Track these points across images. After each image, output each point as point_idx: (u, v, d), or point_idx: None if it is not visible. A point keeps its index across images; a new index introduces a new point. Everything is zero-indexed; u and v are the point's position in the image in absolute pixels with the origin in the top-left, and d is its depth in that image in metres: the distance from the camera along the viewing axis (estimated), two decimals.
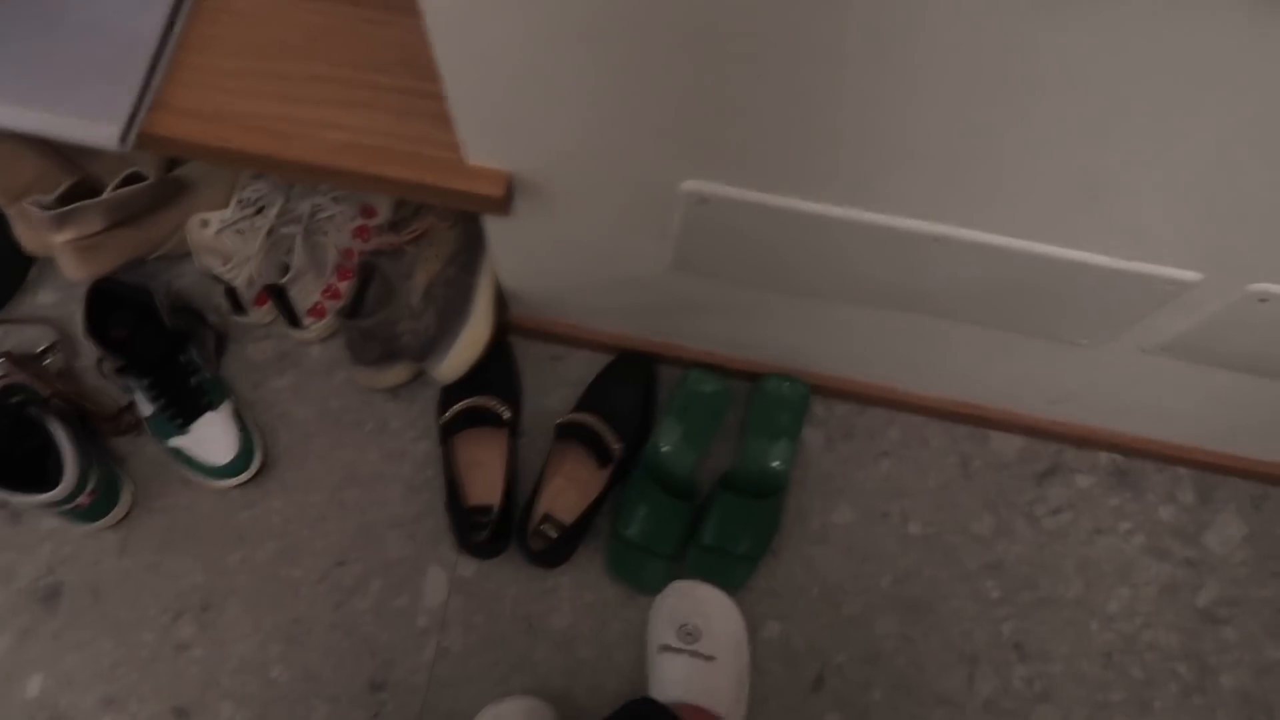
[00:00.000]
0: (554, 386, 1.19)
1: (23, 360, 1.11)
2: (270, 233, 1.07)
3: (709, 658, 1.01)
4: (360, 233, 1.15)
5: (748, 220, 0.77)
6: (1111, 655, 1.13)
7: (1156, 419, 1.10)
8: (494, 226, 0.90)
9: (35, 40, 0.78)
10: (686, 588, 1.06)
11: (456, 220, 1.03)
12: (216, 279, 1.08)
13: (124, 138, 0.75)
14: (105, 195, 0.99)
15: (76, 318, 1.17)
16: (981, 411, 1.16)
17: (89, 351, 1.13)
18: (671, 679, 1.00)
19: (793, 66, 0.58)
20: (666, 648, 1.02)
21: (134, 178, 1.02)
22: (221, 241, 1.07)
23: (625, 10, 0.57)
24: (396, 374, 1.11)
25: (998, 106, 0.58)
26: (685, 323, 1.07)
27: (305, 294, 1.11)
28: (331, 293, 1.14)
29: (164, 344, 1.07)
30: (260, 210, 1.09)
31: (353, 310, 1.05)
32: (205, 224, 1.06)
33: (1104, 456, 1.20)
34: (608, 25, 0.58)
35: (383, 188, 0.78)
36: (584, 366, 1.20)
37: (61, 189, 0.97)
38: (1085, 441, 1.18)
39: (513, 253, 0.96)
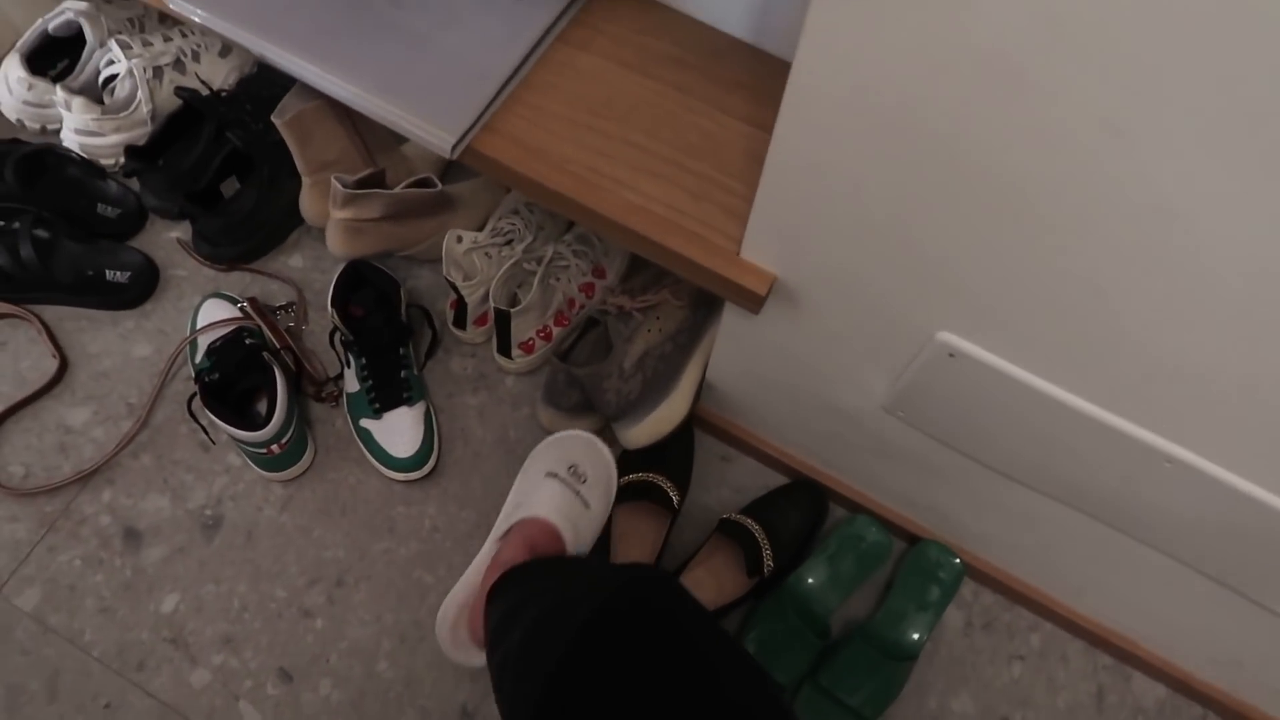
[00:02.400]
0: (715, 485, 1.21)
1: (263, 309, 1.21)
2: (515, 264, 1.14)
3: (586, 504, 0.99)
4: (586, 288, 1.22)
5: (988, 387, 0.79)
6: None
7: None
8: (732, 319, 0.95)
9: (405, 52, 0.88)
10: (584, 440, 1.04)
11: (689, 302, 1.08)
12: (453, 289, 1.16)
13: (455, 147, 0.84)
14: (397, 190, 1.09)
15: (317, 286, 1.28)
16: (1133, 647, 1.12)
17: (321, 319, 1.22)
18: (549, 502, 0.98)
19: (1110, 272, 0.61)
20: (554, 475, 1.01)
21: (423, 183, 1.12)
22: (469, 259, 1.15)
23: (959, 172, 0.61)
24: (583, 425, 1.15)
25: None
26: (869, 466, 1.09)
27: (523, 328, 1.18)
28: (545, 334, 1.20)
29: (391, 333, 1.15)
30: (509, 242, 1.17)
31: (565, 354, 1.11)
32: (459, 240, 1.15)
33: None
34: (935, 183, 0.62)
35: (660, 255, 0.83)
36: (749, 474, 1.22)
37: (361, 175, 1.08)
38: (1234, 714, 1.12)
39: (736, 348, 1.00)
